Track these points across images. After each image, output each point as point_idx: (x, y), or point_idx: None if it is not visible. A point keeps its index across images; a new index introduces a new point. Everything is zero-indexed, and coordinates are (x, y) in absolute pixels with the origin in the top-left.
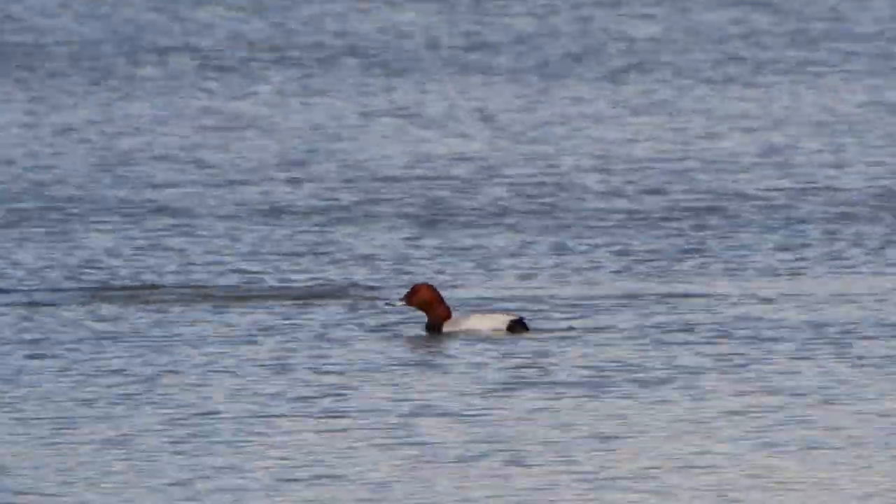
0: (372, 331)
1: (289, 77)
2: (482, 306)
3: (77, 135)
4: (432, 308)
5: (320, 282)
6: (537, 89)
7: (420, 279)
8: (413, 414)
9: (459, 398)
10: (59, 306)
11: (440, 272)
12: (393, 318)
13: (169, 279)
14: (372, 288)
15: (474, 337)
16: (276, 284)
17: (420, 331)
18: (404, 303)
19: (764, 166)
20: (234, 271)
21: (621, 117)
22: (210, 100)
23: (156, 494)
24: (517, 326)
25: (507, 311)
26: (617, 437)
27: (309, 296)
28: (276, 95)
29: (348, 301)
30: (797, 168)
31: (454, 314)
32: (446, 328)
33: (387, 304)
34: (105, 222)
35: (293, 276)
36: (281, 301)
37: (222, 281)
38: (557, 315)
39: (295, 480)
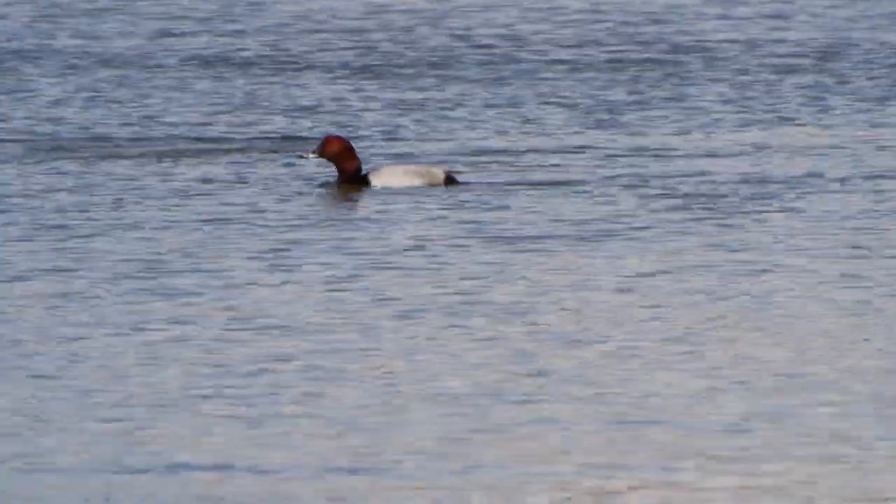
0: (312, 185)
1: None
2: (418, 158)
3: None
4: (343, 160)
5: (260, 134)
6: None
7: (362, 132)
8: (358, 267)
9: (403, 252)
10: (4, 161)
11: (380, 123)
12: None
13: (110, 132)
14: (313, 140)
15: (410, 191)
16: (217, 136)
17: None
18: (316, 155)
19: (706, 18)
20: (178, 124)
21: None
22: None
23: (107, 339)
24: (450, 180)
25: (436, 164)
26: (563, 290)
27: (248, 149)
28: None
29: (291, 153)
30: (740, 21)
31: (380, 166)
32: (375, 180)
33: (298, 156)
34: (47, 75)
35: (233, 129)
36: (223, 154)
37: (165, 133)
38: (498, 168)
39: (243, 330)
